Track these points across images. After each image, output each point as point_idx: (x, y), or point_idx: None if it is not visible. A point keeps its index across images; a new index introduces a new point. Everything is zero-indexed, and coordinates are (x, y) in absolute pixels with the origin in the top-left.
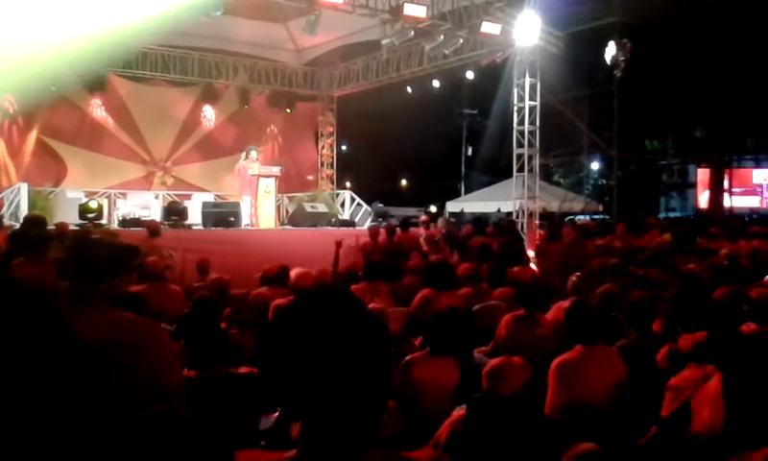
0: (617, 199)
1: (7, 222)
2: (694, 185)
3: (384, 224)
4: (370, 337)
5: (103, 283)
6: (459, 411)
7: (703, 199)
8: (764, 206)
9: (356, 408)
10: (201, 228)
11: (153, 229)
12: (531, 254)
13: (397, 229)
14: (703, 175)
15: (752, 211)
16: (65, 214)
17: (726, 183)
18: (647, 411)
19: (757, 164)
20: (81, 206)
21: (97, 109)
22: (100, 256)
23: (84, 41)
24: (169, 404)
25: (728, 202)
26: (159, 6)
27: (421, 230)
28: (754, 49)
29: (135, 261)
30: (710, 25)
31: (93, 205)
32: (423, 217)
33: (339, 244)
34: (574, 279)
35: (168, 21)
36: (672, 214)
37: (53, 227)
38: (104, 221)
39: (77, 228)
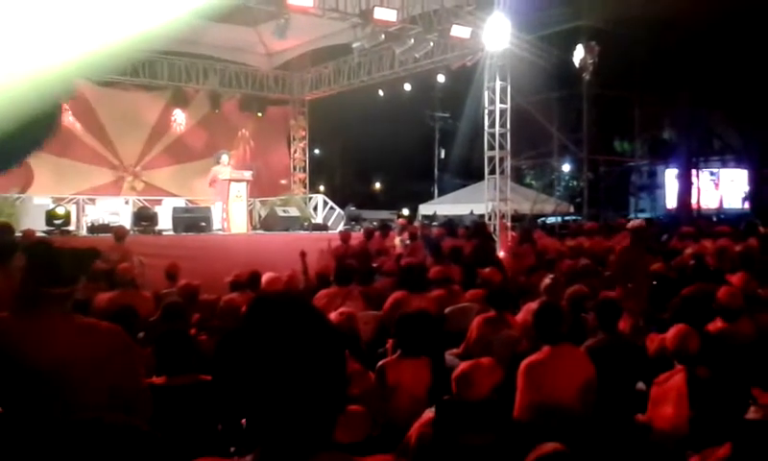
0: (588, 200)
1: None
2: (663, 186)
3: (359, 228)
4: (321, 342)
5: (65, 286)
6: (429, 414)
7: (672, 199)
8: (731, 206)
9: (309, 412)
10: (171, 233)
11: (118, 234)
12: (503, 255)
13: (376, 232)
14: (671, 176)
15: (718, 211)
16: (32, 221)
17: (694, 184)
18: (615, 410)
19: (724, 165)
20: (48, 212)
21: (64, 114)
22: (61, 258)
23: (55, 48)
24: (130, 408)
25: (695, 202)
26: (144, 20)
27: (395, 234)
28: (720, 51)
29: (96, 264)
30: (677, 27)
31: (60, 211)
32: (401, 220)
33: (303, 254)
34: (548, 281)
35: (152, 33)
36: (642, 215)
37: (20, 234)
38: (72, 227)
39: (44, 234)
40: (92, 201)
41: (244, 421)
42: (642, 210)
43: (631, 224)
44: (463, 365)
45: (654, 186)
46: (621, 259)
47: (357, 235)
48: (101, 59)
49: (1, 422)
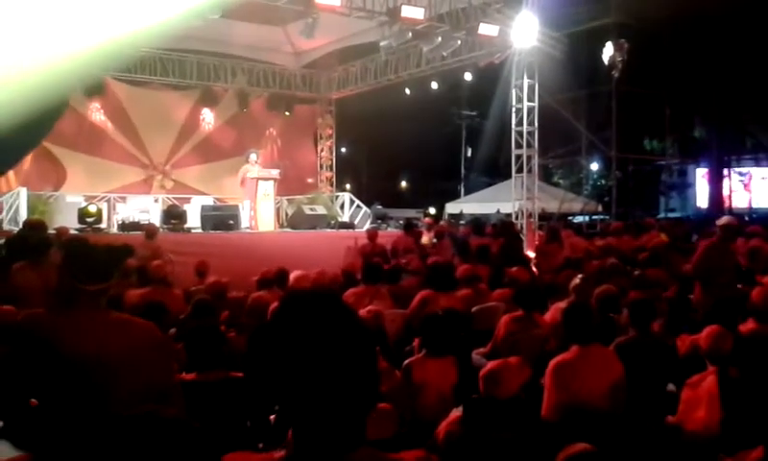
0: (616, 199)
1: (6, 226)
2: (694, 185)
3: (385, 226)
4: (354, 338)
5: (101, 282)
6: (456, 412)
7: (702, 199)
8: (760, 205)
9: (342, 409)
10: (200, 231)
11: (148, 231)
12: (531, 254)
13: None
14: (702, 174)
15: (750, 210)
16: (65, 218)
17: (725, 183)
18: (645, 410)
19: (757, 163)
20: (80, 210)
21: (96, 114)
22: (97, 254)
23: (82, 46)
24: (163, 403)
25: (727, 201)
26: (158, 11)
27: (423, 232)
28: (752, 48)
29: (130, 262)
30: (708, 24)
31: (92, 209)
32: (428, 219)
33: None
34: (577, 280)
35: (166, 25)
36: (672, 214)
37: (53, 231)
38: (103, 225)
39: (76, 232)
40: (123, 199)
41: (273, 417)
42: (672, 210)
43: (721, 221)
44: (491, 364)
45: (684, 185)
46: (707, 256)
47: (384, 234)
48: (114, 52)
49: (37, 415)
